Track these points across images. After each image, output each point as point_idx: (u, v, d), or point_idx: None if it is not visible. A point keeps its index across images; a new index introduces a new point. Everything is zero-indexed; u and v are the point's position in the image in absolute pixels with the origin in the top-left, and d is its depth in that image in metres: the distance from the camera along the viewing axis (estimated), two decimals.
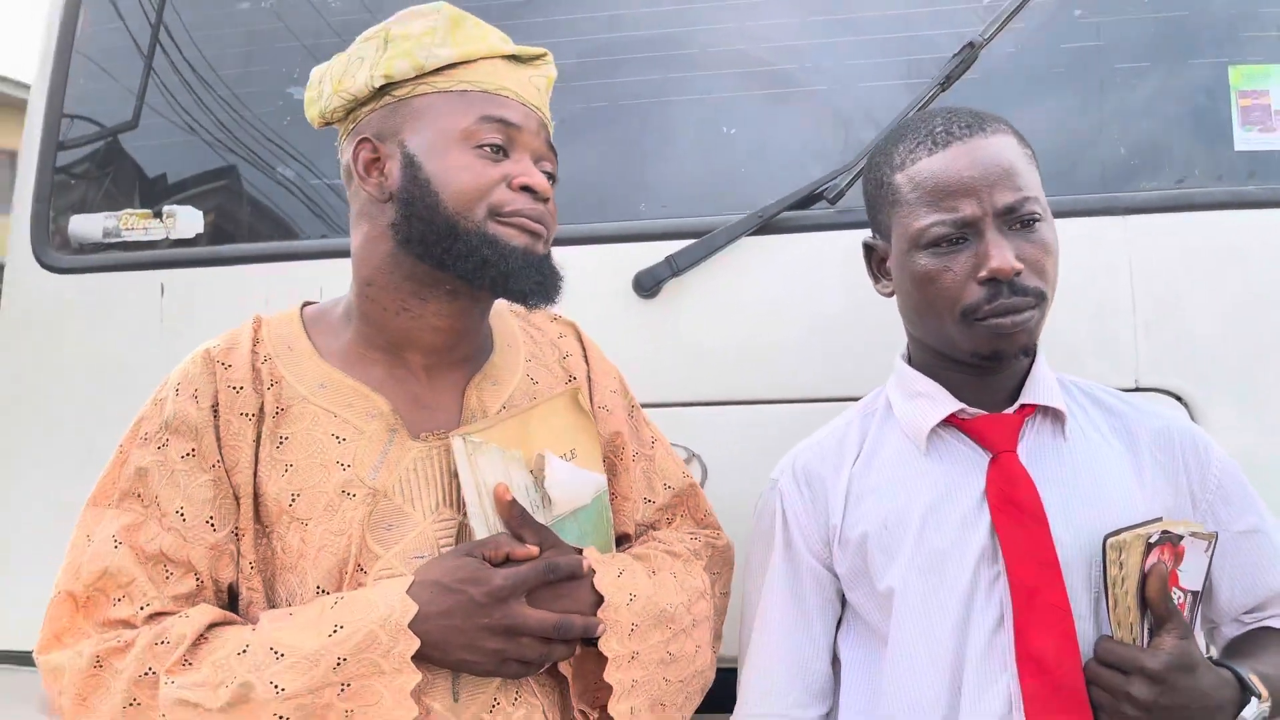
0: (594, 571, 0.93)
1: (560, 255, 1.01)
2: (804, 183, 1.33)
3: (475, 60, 0.96)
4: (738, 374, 1.34)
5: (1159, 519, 0.96)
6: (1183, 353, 1.30)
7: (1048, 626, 0.94)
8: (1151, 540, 0.92)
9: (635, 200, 1.40)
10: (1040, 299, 0.96)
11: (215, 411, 0.94)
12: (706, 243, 1.33)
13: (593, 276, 1.34)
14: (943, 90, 1.34)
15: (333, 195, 1.50)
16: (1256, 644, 1.03)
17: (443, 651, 0.87)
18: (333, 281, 1.39)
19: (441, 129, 0.94)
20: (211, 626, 0.89)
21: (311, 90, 1.01)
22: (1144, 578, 0.92)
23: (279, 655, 0.85)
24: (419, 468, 0.94)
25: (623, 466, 1.08)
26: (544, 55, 1.01)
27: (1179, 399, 1.28)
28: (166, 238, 1.54)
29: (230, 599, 0.95)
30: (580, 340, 1.12)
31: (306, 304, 1.06)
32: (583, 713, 0.97)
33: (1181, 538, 0.93)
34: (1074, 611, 0.95)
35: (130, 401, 1.46)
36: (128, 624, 0.89)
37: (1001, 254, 0.93)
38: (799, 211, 1.34)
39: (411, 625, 0.85)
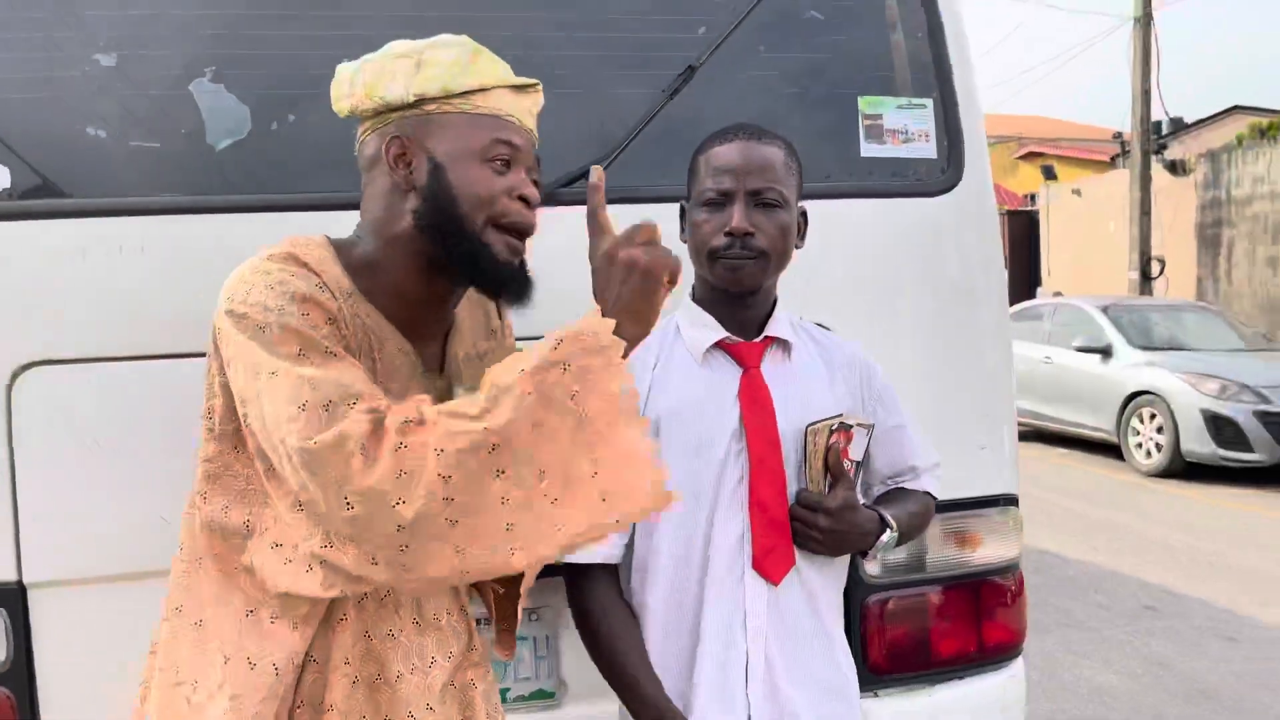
0: None
1: None
2: (573, 167, 1.71)
3: (490, 88, 1.22)
4: (533, 313, 1.69)
5: (840, 415, 1.47)
6: (828, 295, 1.84)
7: (769, 482, 1.43)
8: (833, 428, 1.43)
9: None
10: (761, 256, 1.41)
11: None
12: None
13: None
14: (670, 100, 1.77)
15: (148, 153, 1.64)
16: (893, 498, 1.59)
17: (633, 318, 1.14)
18: (156, 237, 1.57)
19: (463, 144, 1.20)
20: None
21: (341, 87, 1.24)
22: (828, 452, 1.43)
23: (512, 364, 1.10)
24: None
25: None
26: (536, 84, 1.29)
27: (825, 327, 1.84)
28: None
29: None
30: (498, 305, 1.44)
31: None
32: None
33: (852, 426, 1.45)
34: (786, 474, 1.44)
35: None
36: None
37: (740, 218, 1.39)
38: (567, 189, 1.72)
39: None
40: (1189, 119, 22.44)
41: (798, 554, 1.46)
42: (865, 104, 1.89)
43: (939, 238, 1.92)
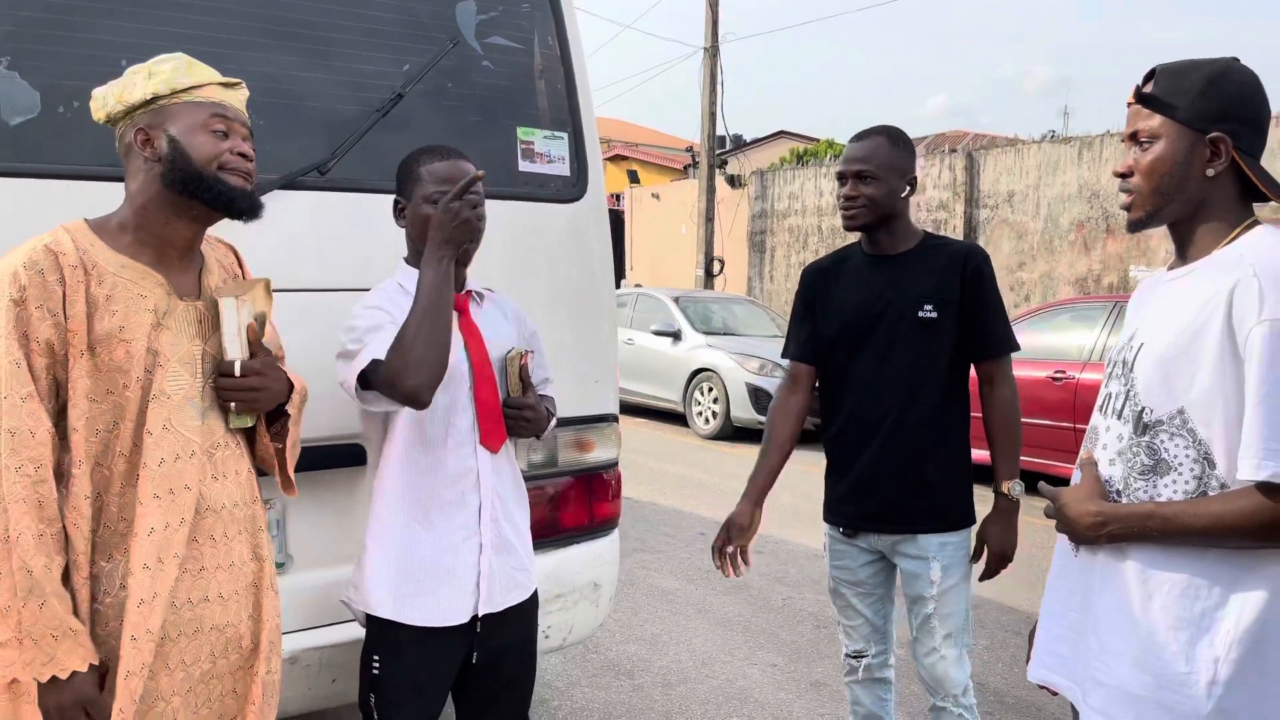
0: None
1: None
2: (307, 161, 2.25)
3: (205, 85, 1.68)
4: (277, 269, 2.20)
5: (521, 346, 2.18)
6: (496, 270, 2.52)
7: (485, 386, 2.09)
8: (523, 352, 2.14)
9: None
10: (479, 237, 2.07)
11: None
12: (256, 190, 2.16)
13: None
14: (382, 117, 2.36)
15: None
16: (544, 400, 2.32)
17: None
18: None
19: (189, 122, 1.64)
20: None
21: (98, 102, 1.66)
22: (521, 370, 2.14)
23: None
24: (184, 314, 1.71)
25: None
26: (240, 82, 1.75)
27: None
28: None
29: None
30: (235, 253, 1.91)
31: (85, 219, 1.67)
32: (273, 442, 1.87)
33: (528, 352, 2.17)
34: (497, 383, 2.12)
35: None
36: None
37: (466, 211, 2.02)
38: (304, 177, 2.26)
39: None
40: (749, 137, 25.86)
41: (506, 434, 2.14)
42: (522, 133, 2.62)
43: (571, 233, 2.71)
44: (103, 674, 1.60)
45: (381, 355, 1.92)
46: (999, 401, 2.50)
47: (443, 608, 2.07)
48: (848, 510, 2.57)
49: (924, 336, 2.45)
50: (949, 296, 2.45)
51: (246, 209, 1.72)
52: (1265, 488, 1.43)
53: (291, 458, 1.91)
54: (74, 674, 1.54)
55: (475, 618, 2.10)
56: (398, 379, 1.89)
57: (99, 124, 1.70)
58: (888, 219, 2.49)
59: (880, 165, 2.44)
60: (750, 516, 2.59)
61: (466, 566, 2.08)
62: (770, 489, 2.65)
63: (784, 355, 2.72)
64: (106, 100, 1.66)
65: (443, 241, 1.94)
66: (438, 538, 2.07)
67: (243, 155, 1.71)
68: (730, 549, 2.58)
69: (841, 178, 2.51)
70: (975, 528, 2.52)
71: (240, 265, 1.92)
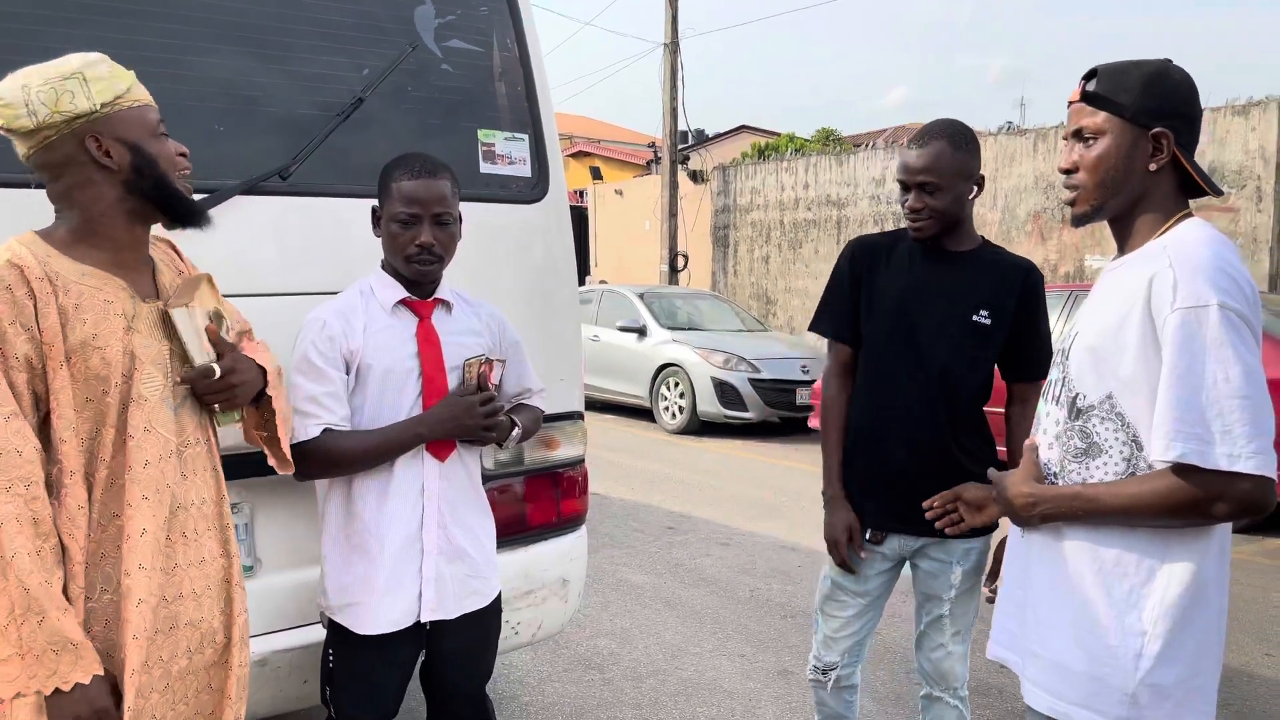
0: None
1: None
2: (269, 167, 2.26)
3: (133, 86, 1.65)
4: (240, 275, 2.21)
5: (484, 354, 2.19)
6: (460, 271, 2.53)
7: (436, 395, 2.11)
8: (481, 360, 2.15)
9: None
10: (440, 260, 2.09)
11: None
12: (217, 196, 2.15)
13: None
14: (343, 120, 2.38)
15: None
16: (518, 410, 2.32)
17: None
18: None
19: (142, 128, 1.64)
20: None
21: (15, 109, 1.55)
22: (479, 377, 2.16)
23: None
24: (147, 316, 1.72)
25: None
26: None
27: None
28: None
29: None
30: (174, 248, 1.89)
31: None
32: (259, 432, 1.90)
33: (492, 360, 2.18)
34: (448, 391, 2.12)
35: None
36: None
37: (427, 235, 2.05)
38: (265, 183, 2.27)
39: None
40: (711, 132, 25.91)
41: (457, 442, 2.17)
42: (483, 135, 2.64)
43: (533, 234, 2.73)
44: (111, 683, 1.60)
45: (319, 432, 2.04)
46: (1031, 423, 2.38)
47: (380, 619, 2.09)
48: (870, 507, 2.48)
49: (974, 341, 2.38)
50: (1004, 305, 2.39)
51: (198, 219, 1.76)
52: (1177, 468, 1.49)
53: (284, 433, 1.93)
54: (76, 685, 1.53)
55: (424, 622, 2.13)
56: (304, 464, 2.03)
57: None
58: (955, 225, 2.39)
59: (943, 173, 2.31)
60: (855, 514, 2.49)
61: (408, 574, 2.10)
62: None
63: (818, 329, 2.59)
64: (33, 108, 1.57)
65: (445, 423, 2.06)
66: (379, 546, 2.09)
67: (183, 155, 1.74)
68: (854, 548, 2.48)
69: (904, 186, 2.38)
70: (995, 533, 2.46)
71: (180, 258, 1.91)
